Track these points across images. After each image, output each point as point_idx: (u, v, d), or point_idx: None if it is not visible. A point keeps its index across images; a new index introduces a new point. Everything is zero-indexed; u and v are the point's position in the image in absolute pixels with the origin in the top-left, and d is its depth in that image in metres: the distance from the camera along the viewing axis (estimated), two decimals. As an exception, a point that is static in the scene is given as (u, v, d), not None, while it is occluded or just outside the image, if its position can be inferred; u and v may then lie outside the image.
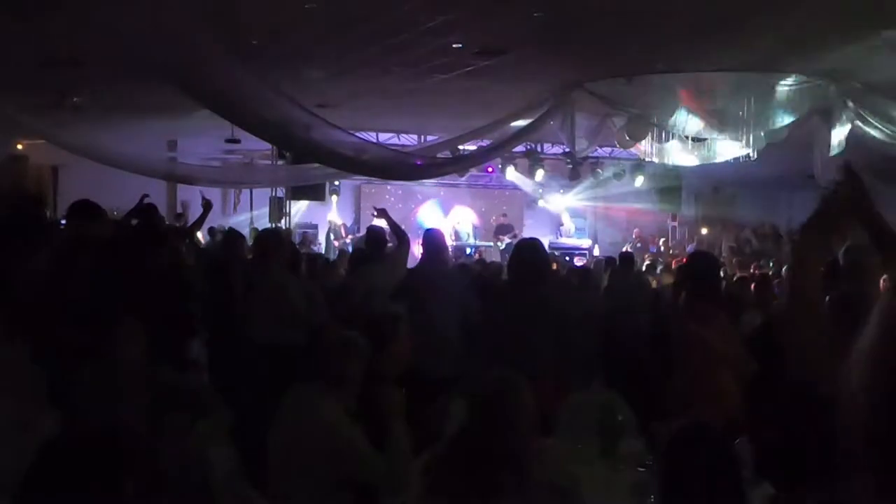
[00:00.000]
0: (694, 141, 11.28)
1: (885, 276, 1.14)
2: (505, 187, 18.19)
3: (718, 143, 11.05)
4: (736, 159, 11.56)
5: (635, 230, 18.32)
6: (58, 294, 4.20)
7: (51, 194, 14.81)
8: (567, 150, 13.05)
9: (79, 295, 4.31)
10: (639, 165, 15.85)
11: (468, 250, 16.76)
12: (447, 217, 18.78)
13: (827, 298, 3.78)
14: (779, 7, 7.12)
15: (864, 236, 1.93)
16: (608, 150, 15.27)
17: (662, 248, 17.92)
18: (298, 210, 17.32)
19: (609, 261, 11.39)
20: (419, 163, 11.13)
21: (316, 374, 3.47)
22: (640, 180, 16.27)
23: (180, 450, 2.91)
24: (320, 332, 5.18)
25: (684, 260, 8.83)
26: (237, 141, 13.42)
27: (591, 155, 14.67)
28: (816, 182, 10.86)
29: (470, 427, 2.88)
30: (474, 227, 18.37)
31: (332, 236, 16.92)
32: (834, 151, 10.01)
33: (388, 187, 17.67)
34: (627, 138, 11.28)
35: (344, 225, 17.40)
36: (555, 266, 9.93)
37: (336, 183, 16.70)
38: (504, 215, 18.22)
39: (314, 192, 16.33)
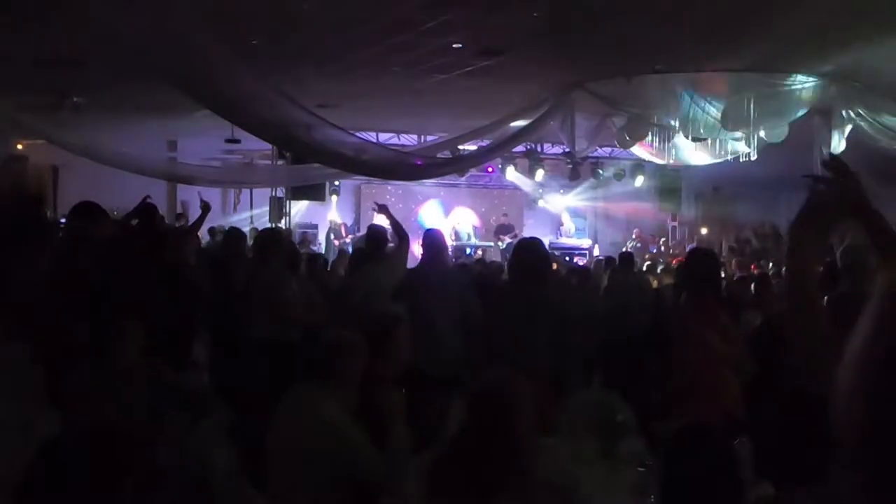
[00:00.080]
0: (695, 140, 11.28)
1: (881, 276, 1.14)
2: (505, 187, 18.19)
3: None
4: (736, 159, 11.58)
5: (635, 230, 18.31)
6: (58, 294, 4.20)
7: (51, 194, 14.80)
8: (567, 150, 13.06)
9: (79, 295, 4.31)
10: (639, 165, 15.86)
11: (468, 250, 16.76)
12: (448, 217, 18.77)
13: (826, 299, 3.78)
14: (779, 7, 7.12)
15: (862, 236, 1.93)
16: (608, 150, 15.28)
17: (662, 248, 17.91)
18: (298, 210, 17.32)
19: (609, 261, 11.39)
20: (419, 163, 11.13)
21: (316, 374, 3.47)
22: (640, 180, 16.27)
23: (180, 450, 2.91)
24: (320, 332, 5.17)
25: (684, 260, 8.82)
26: (237, 141, 13.43)
27: (591, 155, 14.68)
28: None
29: (470, 427, 2.88)
30: (475, 228, 18.37)
31: (331, 236, 16.92)
32: (834, 151, 10.01)
33: (389, 187, 17.67)
34: (627, 138, 11.29)
35: (344, 224, 17.40)
36: (555, 266, 9.92)
37: (336, 183, 16.70)
38: (505, 215, 18.22)
39: (314, 192, 16.33)
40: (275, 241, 6.59)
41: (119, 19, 5.66)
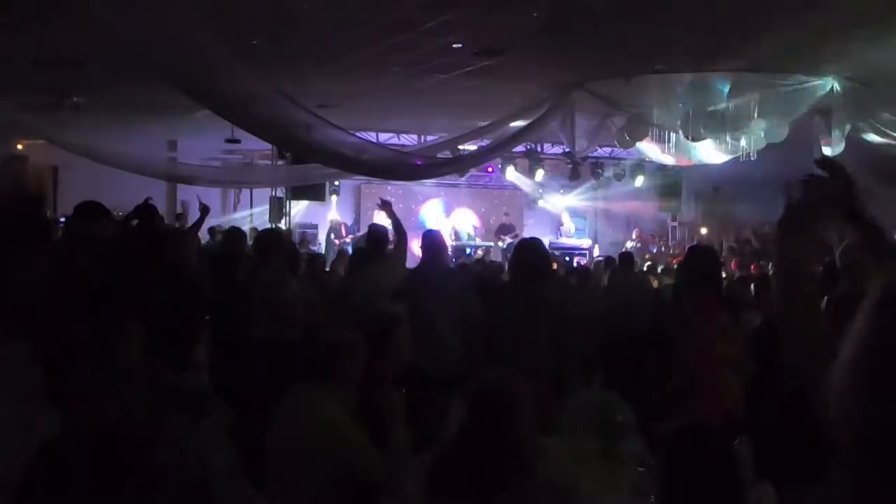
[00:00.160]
0: (695, 140, 11.26)
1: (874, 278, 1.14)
2: (505, 187, 18.19)
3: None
4: (736, 159, 11.57)
5: (635, 230, 18.30)
6: (58, 294, 4.20)
7: (51, 194, 14.80)
8: (567, 150, 13.05)
9: (79, 295, 4.31)
10: (639, 165, 15.85)
11: (468, 250, 16.76)
12: (448, 217, 18.78)
13: (826, 299, 3.78)
14: (780, 7, 7.12)
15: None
16: (608, 150, 15.27)
17: (662, 248, 17.91)
18: (299, 210, 17.32)
19: (609, 261, 11.38)
20: (419, 163, 11.13)
21: (316, 374, 3.47)
22: (640, 180, 16.27)
23: (180, 450, 2.91)
24: (320, 332, 5.17)
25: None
26: (237, 141, 13.43)
27: (591, 155, 14.67)
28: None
29: (470, 427, 2.87)
30: (475, 229, 18.38)
31: (332, 235, 16.92)
32: (834, 151, 10.01)
33: (389, 187, 17.65)
34: (627, 138, 11.29)
35: (344, 224, 17.40)
36: (555, 266, 9.92)
37: (336, 183, 16.70)
38: (506, 214, 18.22)
39: (314, 192, 16.33)
40: (275, 242, 6.59)
41: (119, 19, 5.66)
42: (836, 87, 9.63)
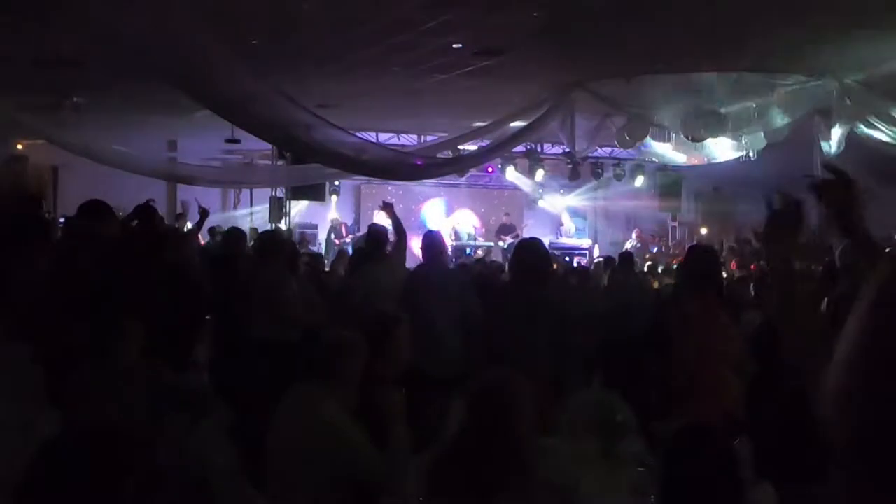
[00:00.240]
0: (695, 141, 11.25)
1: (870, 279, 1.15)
2: (505, 187, 18.19)
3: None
4: (736, 159, 11.56)
5: (635, 230, 18.30)
6: (58, 294, 4.20)
7: (51, 194, 14.81)
8: (567, 150, 13.04)
9: (79, 295, 4.31)
10: (639, 165, 15.85)
11: (468, 250, 16.76)
12: (449, 217, 18.78)
13: (826, 299, 3.78)
14: (779, 7, 7.12)
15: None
16: (608, 150, 15.27)
17: (662, 249, 17.91)
18: (299, 210, 17.32)
19: (609, 261, 11.38)
20: (419, 163, 11.12)
21: (316, 374, 3.47)
22: (640, 180, 16.26)
23: (180, 450, 2.91)
24: (320, 332, 5.18)
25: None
26: (237, 141, 13.42)
27: (591, 155, 14.67)
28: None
29: (470, 427, 2.88)
30: (475, 229, 18.38)
31: (332, 235, 16.92)
32: (834, 151, 10.01)
33: (389, 187, 17.66)
34: (627, 138, 11.28)
35: (344, 224, 17.40)
36: (555, 266, 9.92)
37: (336, 183, 16.70)
38: (507, 214, 18.22)
39: (314, 192, 16.32)
40: (275, 242, 6.60)
41: (119, 19, 5.66)
42: (836, 87, 9.63)
